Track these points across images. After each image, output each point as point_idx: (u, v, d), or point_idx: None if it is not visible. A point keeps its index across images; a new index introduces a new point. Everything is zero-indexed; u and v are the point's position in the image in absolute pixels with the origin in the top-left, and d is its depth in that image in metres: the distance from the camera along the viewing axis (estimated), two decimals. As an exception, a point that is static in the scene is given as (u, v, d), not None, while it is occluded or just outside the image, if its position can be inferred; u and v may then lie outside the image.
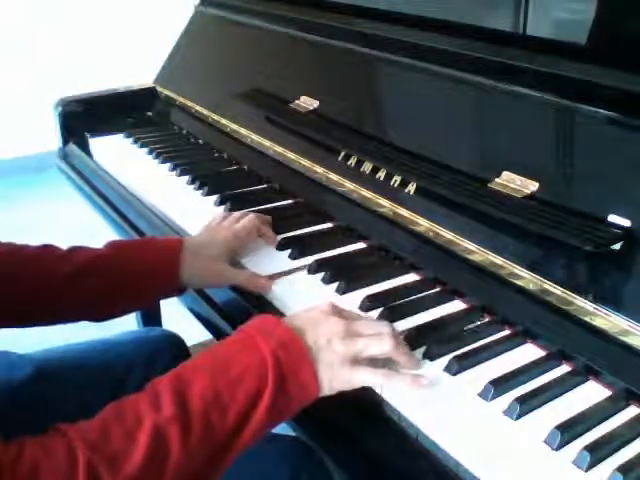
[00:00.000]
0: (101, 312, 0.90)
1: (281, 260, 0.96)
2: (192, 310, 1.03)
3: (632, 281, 0.70)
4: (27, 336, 1.70)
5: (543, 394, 0.67)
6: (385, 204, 0.97)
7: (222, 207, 1.12)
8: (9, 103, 3.45)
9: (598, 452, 0.60)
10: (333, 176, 1.07)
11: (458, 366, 0.71)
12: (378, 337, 0.70)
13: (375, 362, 0.70)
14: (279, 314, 0.85)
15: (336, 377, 0.67)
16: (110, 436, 0.57)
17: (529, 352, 0.75)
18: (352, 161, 1.04)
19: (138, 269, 0.88)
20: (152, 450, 0.58)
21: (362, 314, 0.80)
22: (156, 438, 0.58)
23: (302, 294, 0.87)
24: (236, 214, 1.01)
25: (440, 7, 1.06)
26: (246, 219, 0.98)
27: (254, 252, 0.98)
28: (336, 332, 0.69)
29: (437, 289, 0.87)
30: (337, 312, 0.72)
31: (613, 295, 0.70)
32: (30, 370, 0.98)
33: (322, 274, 0.90)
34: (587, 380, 0.70)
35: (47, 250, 0.88)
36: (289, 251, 0.96)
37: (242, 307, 0.91)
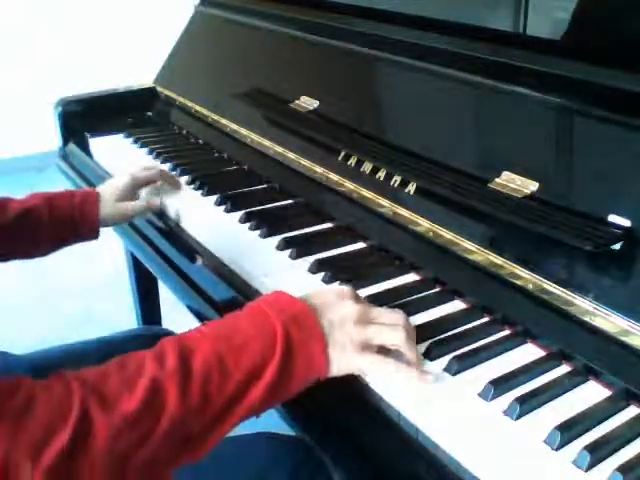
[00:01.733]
0: (32, 253, 1.06)
1: (281, 260, 0.96)
2: (192, 309, 1.03)
3: (632, 281, 0.70)
4: (25, 336, 1.70)
5: (543, 394, 0.67)
6: (385, 204, 0.97)
7: (222, 207, 1.12)
8: (9, 103, 3.45)
9: (598, 452, 0.60)
10: (333, 176, 1.07)
11: (458, 366, 0.71)
12: (392, 327, 0.70)
13: (385, 353, 0.70)
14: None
15: (345, 359, 0.67)
16: (108, 381, 0.59)
17: (529, 352, 0.75)
18: (352, 161, 1.04)
19: (64, 215, 1.04)
20: (148, 399, 0.58)
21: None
22: (153, 389, 0.59)
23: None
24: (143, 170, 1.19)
25: (440, 7, 1.06)
26: (150, 170, 1.19)
27: (254, 252, 0.98)
28: (350, 315, 0.68)
29: (437, 289, 0.87)
30: (354, 296, 0.71)
31: (613, 295, 0.70)
32: (28, 371, 0.98)
33: (322, 274, 0.90)
34: (587, 380, 0.70)
35: None
36: (289, 251, 0.96)
37: (241, 305, 0.91)
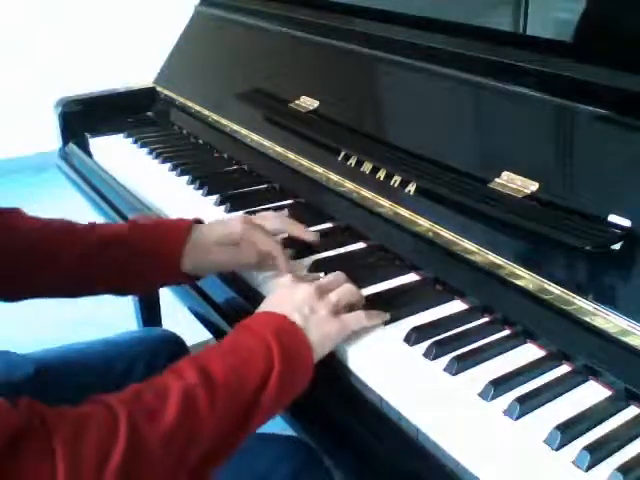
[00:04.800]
0: (116, 287, 0.92)
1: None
2: (192, 310, 1.03)
3: (632, 281, 0.70)
4: (27, 336, 1.71)
5: (543, 394, 0.67)
6: (385, 204, 0.97)
7: (222, 207, 1.12)
8: (9, 103, 3.45)
9: (598, 452, 0.60)
10: (333, 176, 1.07)
11: (458, 366, 0.71)
12: (346, 287, 0.79)
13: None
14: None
15: (327, 336, 0.73)
16: (143, 398, 0.61)
17: (529, 352, 0.75)
18: (352, 161, 1.04)
19: (144, 249, 0.88)
20: (183, 408, 0.61)
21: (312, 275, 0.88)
22: (186, 398, 0.61)
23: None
24: (268, 217, 0.96)
25: (440, 7, 1.06)
26: (272, 243, 0.90)
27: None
28: (311, 296, 0.75)
29: (437, 289, 0.87)
30: (299, 279, 0.80)
31: (613, 295, 0.70)
32: (30, 370, 0.98)
33: (322, 274, 0.90)
34: (587, 380, 0.70)
35: (69, 225, 0.92)
36: (289, 251, 0.96)
37: (242, 306, 0.91)
